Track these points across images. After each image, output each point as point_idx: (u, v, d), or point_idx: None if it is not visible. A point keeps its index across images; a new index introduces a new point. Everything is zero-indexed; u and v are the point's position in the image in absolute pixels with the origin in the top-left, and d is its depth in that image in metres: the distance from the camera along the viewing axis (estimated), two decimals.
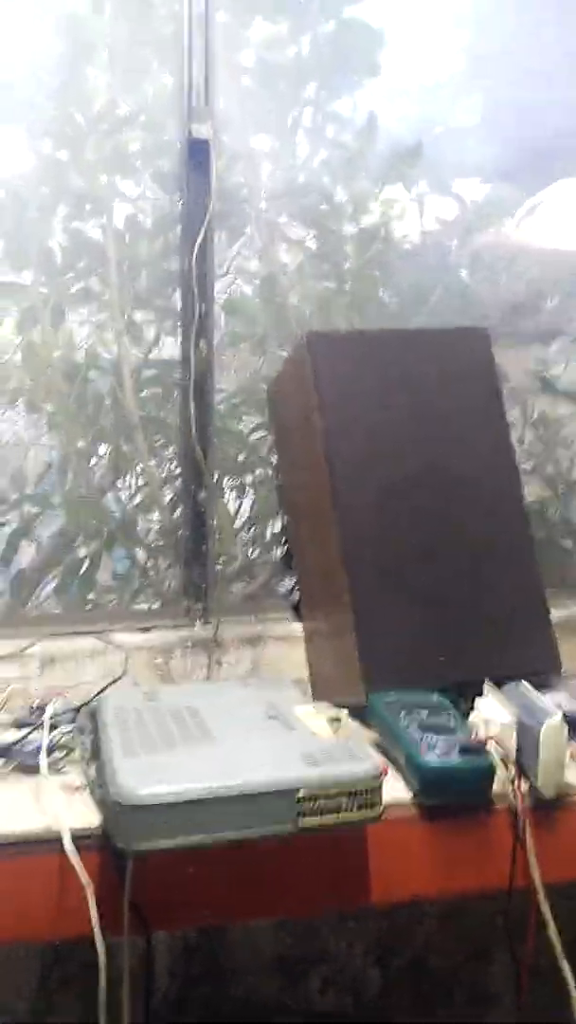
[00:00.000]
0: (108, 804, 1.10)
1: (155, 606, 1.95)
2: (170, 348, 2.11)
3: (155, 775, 1.09)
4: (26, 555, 2.10)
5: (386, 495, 1.70)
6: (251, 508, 2.23)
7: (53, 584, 2.13)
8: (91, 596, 2.07)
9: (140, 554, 2.09)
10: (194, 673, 1.78)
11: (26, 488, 2.02)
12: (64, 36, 1.90)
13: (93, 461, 2.06)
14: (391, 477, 1.72)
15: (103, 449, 2.06)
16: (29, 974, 1.70)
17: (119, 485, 2.11)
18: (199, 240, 1.86)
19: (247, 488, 2.19)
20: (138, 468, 2.04)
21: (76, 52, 1.91)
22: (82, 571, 2.10)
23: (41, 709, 1.48)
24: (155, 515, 2.12)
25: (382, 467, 1.73)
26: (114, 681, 1.48)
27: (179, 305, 2.01)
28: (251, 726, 1.29)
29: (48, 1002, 1.70)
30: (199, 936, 1.76)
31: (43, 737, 1.29)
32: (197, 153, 1.90)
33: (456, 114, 2.30)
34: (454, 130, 2.30)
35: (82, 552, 2.07)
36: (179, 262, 1.94)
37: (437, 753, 1.28)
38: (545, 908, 1.26)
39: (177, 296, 2.04)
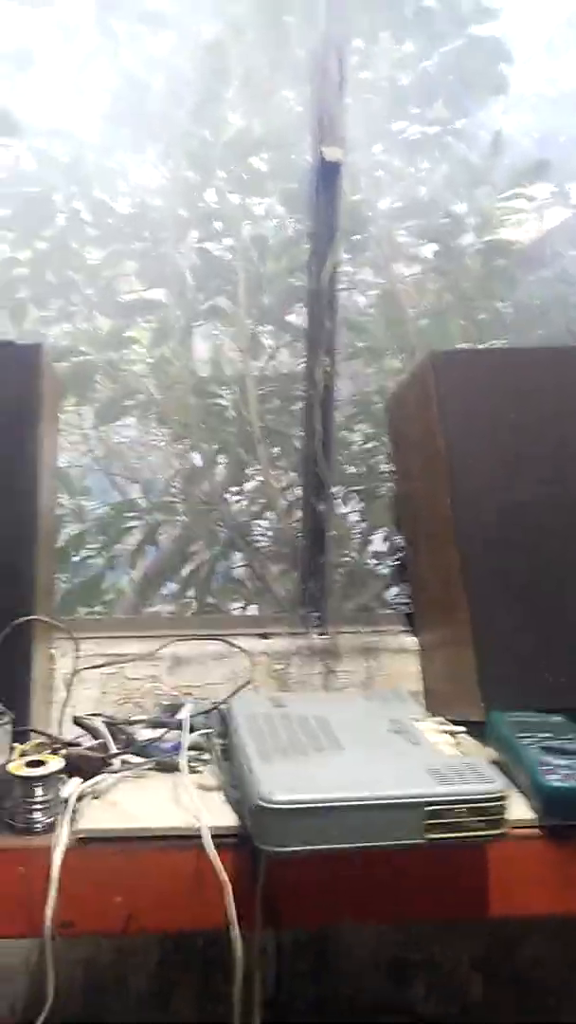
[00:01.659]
0: (247, 806, 1.17)
1: (272, 612, 2.02)
2: (286, 362, 2.19)
3: (293, 781, 1.15)
4: (151, 559, 2.21)
5: (508, 512, 1.71)
6: (363, 518, 2.29)
7: (174, 587, 2.24)
8: (209, 600, 2.17)
9: (255, 561, 2.17)
10: (310, 681, 1.84)
11: (153, 496, 2.13)
12: (202, 62, 2.00)
13: (215, 471, 2.15)
14: (513, 494, 1.72)
15: (225, 459, 2.15)
16: (149, 961, 1.80)
17: (238, 494, 2.19)
18: (328, 258, 1.91)
19: (359, 498, 2.24)
20: (257, 478, 2.12)
21: (213, 77, 2.00)
22: (202, 576, 2.20)
23: (173, 709, 1.57)
24: (271, 523, 2.19)
25: (504, 484, 1.73)
26: (242, 687, 1.55)
27: (300, 320, 2.07)
28: (378, 739, 1.34)
29: (167, 990, 1.80)
30: (308, 934, 1.82)
31: (183, 738, 1.37)
32: (327, 174, 1.94)
33: None
34: None
35: (201, 557, 2.17)
36: (306, 280, 1.99)
37: (560, 774, 1.29)
38: None
39: (297, 311, 2.10)
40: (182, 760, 1.33)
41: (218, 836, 1.21)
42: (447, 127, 2.21)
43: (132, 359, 2.11)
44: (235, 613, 2.05)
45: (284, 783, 1.14)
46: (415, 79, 2.19)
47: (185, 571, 2.17)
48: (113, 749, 1.41)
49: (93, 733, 1.47)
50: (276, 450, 2.16)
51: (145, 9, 1.99)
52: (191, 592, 2.20)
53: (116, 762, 1.38)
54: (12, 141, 1.95)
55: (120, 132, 2.00)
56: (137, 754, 1.41)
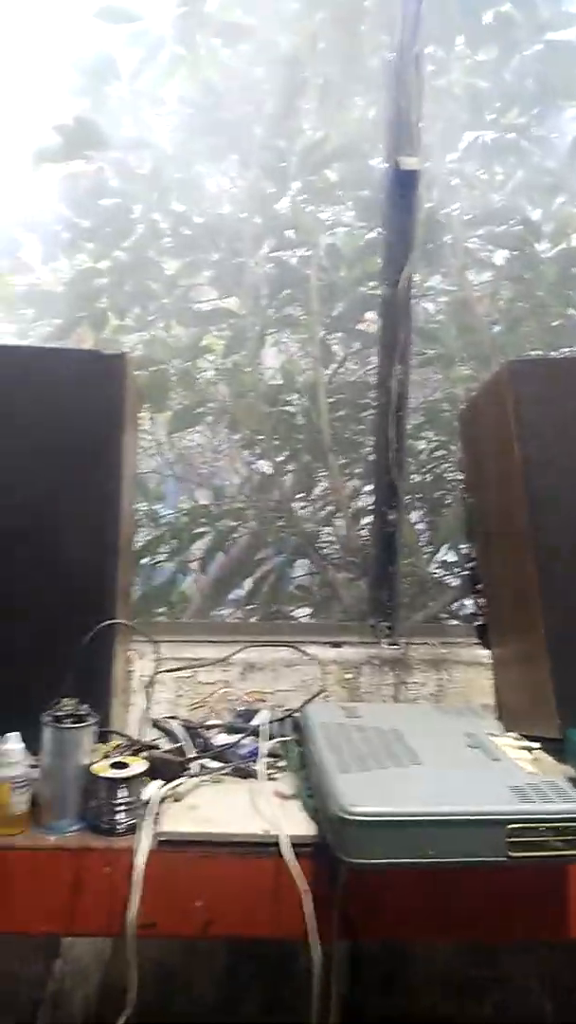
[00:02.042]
0: (328, 817, 1.17)
1: (342, 621, 2.02)
2: (354, 370, 2.19)
3: (373, 793, 1.15)
4: (220, 565, 2.24)
5: None
6: (430, 528, 2.27)
7: (243, 592, 2.26)
8: (275, 607, 2.18)
9: (323, 568, 2.18)
10: (380, 691, 1.83)
11: (224, 503, 2.15)
12: (279, 72, 2.01)
13: (285, 478, 2.17)
14: None
15: (295, 466, 2.16)
16: (217, 965, 1.81)
17: (307, 501, 2.20)
18: (405, 267, 1.90)
19: (427, 508, 2.23)
20: (325, 485, 2.13)
21: (290, 88, 2.01)
22: (270, 581, 2.22)
23: (247, 715, 1.58)
24: (339, 531, 2.20)
25: None
26: (316, 696, 1.56)
27: (373, 329, 2.07)
28: (456, 753, 1.33)
29: (235, 995, 1.81)
30: (380, 946, 1.82)
31: (261, 745, 1.39)
32: (403, 183, 1.93)
33: None
34: None
35: (270, 564, 2.18)
36: (382, 289, 1.98)
37: None
38: None
39: (367, 320, 2.10)
40: (260, 767, 1.34)
41: (297, 845, 1.21)
42: (523, 133, 2.19)
43: (204, 367, 2.14)
44: (304, 621, 2.06)
45: (365, 795, 1.14)
46: (491, 85, 2.17)
47: (253, 577, 2.18)
48: (191, 753, 1.43)
49: (170, 736, 1.50)
50: (345, 458, 2.16)
51: (224, 22, 2.02)
52: (258, 598, 2.22)
53: (194, 766, 1.40)
54: (96, 154, 2.00)
55: (198, 144, 2.04)
56: (215, 759, 1.42)
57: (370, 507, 2.05)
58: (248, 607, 2.22)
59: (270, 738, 1.41)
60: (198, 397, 2.12)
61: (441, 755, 1.32)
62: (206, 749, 1.46)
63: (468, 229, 2.20)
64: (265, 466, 2.14)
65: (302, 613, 2.15)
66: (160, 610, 2.16)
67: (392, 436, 1.96)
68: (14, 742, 1.27)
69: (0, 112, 1.95)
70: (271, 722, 1.47)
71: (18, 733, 1.28)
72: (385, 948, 1.82)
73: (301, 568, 2.20)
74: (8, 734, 1.27)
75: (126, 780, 1.25)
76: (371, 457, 2.04)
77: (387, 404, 1.95)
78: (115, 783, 1.25)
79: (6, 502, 1.49)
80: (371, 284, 2.08)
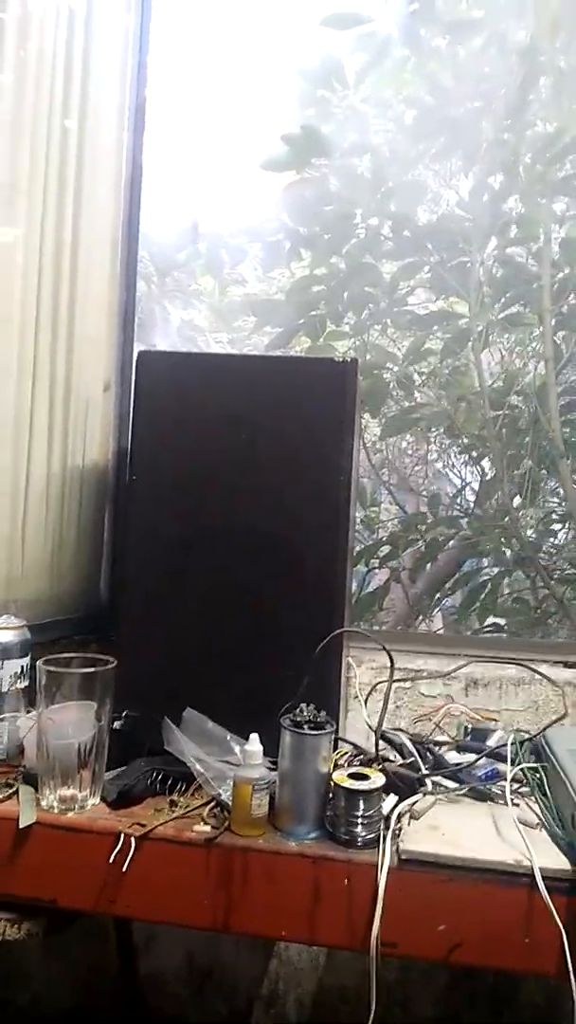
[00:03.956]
0: None
1: (571, 638, 1.90)
2: None
3: None
4: (430, 574, 2.19)
5: None
6: None
7: (452, 603, 2.20)
8: (492, 620, 2.10)
9: (546, 582, 2.06)
10: None
11: (440, 511, 2.10)
12: (511, 65, 1.93)
13: (506, 486, 2.08)
14: None
15: (516, 473, 2.06)
16: (436, 985, 1.76)
17: (531, 510, 2.10)
18: None
19: None
20: (556, 493, 2.02)
21: (523, 80, 1.92)
22: (484, 593, 2.13)
23: (480, 734, 1.51)
24: (566, 542, 2.08)
25: None
26: (559, 720, 1.47)
27: None
28: None
29: (453, 1018, 1.75)
30: None
31: (503, 768, 1.32)
32: None
33: None
34: None
35: (488, 575, 2.10)
36: None
37: None
38: None
39: None
40: (506, 792, 1.27)
41: (549, 879, 1.14)
42: None
43: (422, 370, 2.10)
44: (536, 639, 1.96)
45: None
46: None
47: (469, 586, 2.11)
48: (423, 769, 1.38)
49: (399, 750, 1.46)
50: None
51: (453, 18, 1.96)
52: (471, 609, 2.14)
53: (428, 783, 1.35)
54: (320, 161, 2.01)
55: (423, 144, 1.99)
56: (450, 778, 1.37)
57: None
58: (455, 618, 2.15)
59: (507, 761, 1.33)
60: (413, 401, 2.08)
61: None
62: (438, 766, 1.40)
63: None
64: (484, 473, 2.06)
65: (522, 629, 2.05)
66: (370, 619, 2.14)
67: None
68: (256, 743, 1.28)
69: (229, 123, 2.01)
70: (515, 744, 1.39)
71: (257, 735, 1.29)
72: None
73: (520, 581, 2.10)
74: (251, 735, 1.29)
75: (367, 793, 1.23)
76: None
77: None
78: (355, 794, 1.23)
79: (251, 507, 1.52)
80: None
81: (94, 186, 1.79)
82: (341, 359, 1.52)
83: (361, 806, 1.22)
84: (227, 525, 1.52)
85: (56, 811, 1.29)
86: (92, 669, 1.33)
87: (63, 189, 1.70)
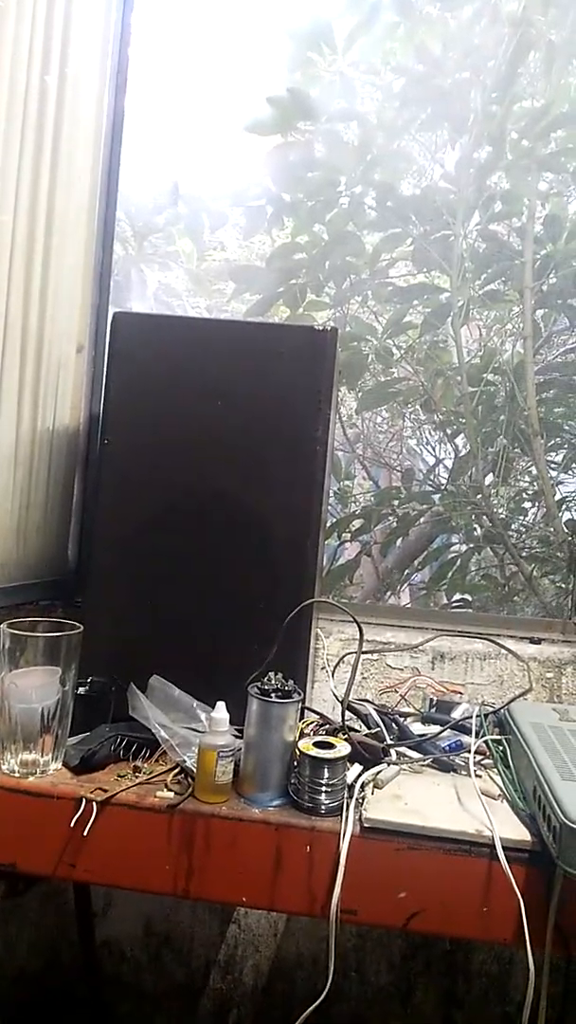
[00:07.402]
0: (546, 824, 1.10)
1: (537, 615, 1.92)
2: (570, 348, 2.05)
3: None
4: (400, 548, 2.19)
5: None
6: None
7: (421, 578, 2.20)
8: (460, 596, 2.11)
9: (514, 558, 2.07)
10: None
11: (413, 486, 2.09)
12: (501, 36, 1.90)
13: (480, 463, 2.08)
14: None
15: (491, 451, 2.07)
16: (392, 954, 1.79)
17: (501, 488, 2.10)
18: None
19: None
20: (528, 472, 2.02)
21: (514, 53, 1.90)
22: (453, 569, 2.13)
23: (444, 706, 1.52)
24: (535, 520, 2.09)
25: None
26: (523, 694, 1.48)
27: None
28: None
29: (406, 986, 1.78)
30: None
31: (472, 741, 1.33)
32: None
33: None
34: None
35: (457, 552, 2.10)
36: None
37: None
38: None
39: None
40: (469, 763, 1.28)
41: (509, 849, 1.15)
42: None
43: (400, 344, 2.08)
44: (502, 615, 1.97)
45: None
46: None
47: (438, 562, 2.12)
48: (388, 739, 1.39)
49: (364, 720, 1.46)
50: (550, 442, 2.04)
51: None
52: (438, 584, 2.15)
53: (393, 753, 1.36)
54: (306, 126, 1.97)
55: (411, 112, 1.96)
56: (415, 748, 1.38)
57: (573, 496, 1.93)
58: (423, 593, 2.15)
59: (476, 734, 1.34)
60: (391, 375, 2.07)
61: None
62: (403, 736, 1.41)
63: None
64: (458, 449, 2.06)
65: (490, 605, 2.06)
66: (339, 592, 2.13)
67: None
68: (222, 711, 1.27)
69: (214, 84, 1.96)
70: (479, 716, 1.40)
71: (223, 703, 1.28)
72: None
73: (490, 558, 2.11)
74: (218, 703, 1.28)
75: (331, 761, 1.23)
76: None
77: None
78: (320, 763, 1.23)
79: (224, 474, 1.50)
80: None
81: (72, 145, 1.73)
82: (322, 327, 1.50)
83: (325, 774, 1.23)
84: (199, 492, 1.50)
85: (17, 775, 1.28)
86: (57, 634, 1.32)
87: (40, 147, 1.64)
